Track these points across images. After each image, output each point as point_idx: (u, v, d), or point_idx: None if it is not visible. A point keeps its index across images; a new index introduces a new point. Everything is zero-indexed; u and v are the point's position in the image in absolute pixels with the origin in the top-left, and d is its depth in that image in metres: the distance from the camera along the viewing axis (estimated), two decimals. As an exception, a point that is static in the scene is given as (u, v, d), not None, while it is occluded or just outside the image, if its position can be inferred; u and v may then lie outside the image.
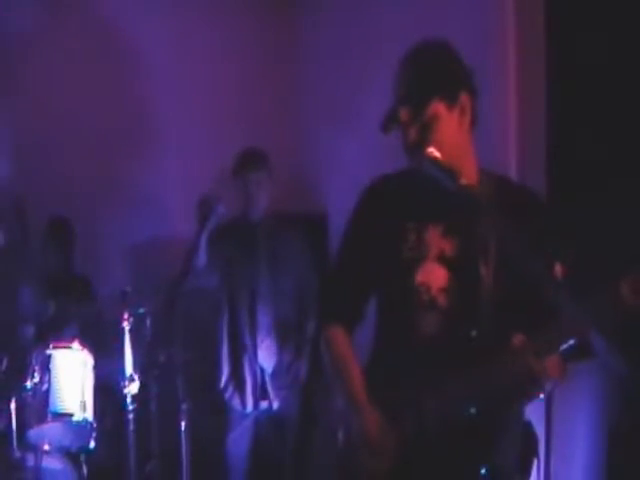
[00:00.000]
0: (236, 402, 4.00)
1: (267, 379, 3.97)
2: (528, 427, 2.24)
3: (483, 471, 2.06)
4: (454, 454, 2.06)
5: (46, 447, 3.77)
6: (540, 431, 3.05)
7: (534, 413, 3.04)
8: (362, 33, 4.29)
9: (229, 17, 4.92)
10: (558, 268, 2.08)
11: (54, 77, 4.81)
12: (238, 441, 4.01)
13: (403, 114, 2.10)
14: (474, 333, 2.07)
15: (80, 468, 3.93)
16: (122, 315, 3.88)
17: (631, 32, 3.05)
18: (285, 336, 3.98)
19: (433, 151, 2.05)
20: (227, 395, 4.01)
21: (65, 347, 3.91)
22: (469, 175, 2.14)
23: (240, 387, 3.98)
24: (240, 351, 3.98)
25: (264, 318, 3.96)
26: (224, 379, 4.01)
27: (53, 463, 3.82)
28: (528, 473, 2.24)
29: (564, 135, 3.40)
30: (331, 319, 2.28)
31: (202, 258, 3.88)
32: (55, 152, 4.78)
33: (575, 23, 3.30)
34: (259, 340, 3.96)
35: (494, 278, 2.08)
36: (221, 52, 4.90)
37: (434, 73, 2.09)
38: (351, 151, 4.31)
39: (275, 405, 3.99)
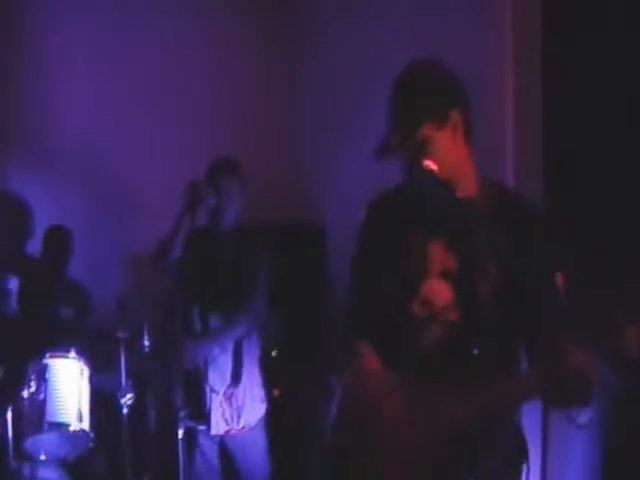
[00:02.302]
0: (191, 424, 3.77)
1: (218, 400, 3.74)
2: (518, 432, 2.22)
3: None
4: (444, 465, 2.04)
5: (42, 457, 3.76)
6: (537, 435, 3.04)
7: (531, 418, 3.04)
8: (363, 42, 4.29)
9: (228, 22, 4.93)
10: (559, 278, 2.08)
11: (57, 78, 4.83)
12: (204, 468, 3.83)
13: (394, 141, 2.12)
14: (476, 352, 2.06)
15: (76, 478, 3.91)
16: (119, 324, 3.86)
17: (628, 40, 3.05)
18: (241, 357, 3.75)
19: (429, 164, 2.06)
20: (181, 416, 3.75)
21: (62, 356, 3.90)
22: (469, 186, 2.16)
23: (192, 409, 3.75)
24: (191, 370, 3.75)
25: None
26: (179, 399, 3.77)
27: (49, 473, 3.81)
28: (518, 478, 2.23)
29: (561, 142, 3.39)
30: (357, 336, 2.27)
31: (176, 251, 3.67)
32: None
33: (572, 30, 3.30)
34: (209, 360, 3.73)
35: (494, 294, 2.07)
36: (219, 58, 4.91)
37: (421, 99, 2.11)
38: (350, 160, 4.30)
39: (226, 428, 3.75)
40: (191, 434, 3.81)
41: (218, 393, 3.75)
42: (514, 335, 2.13)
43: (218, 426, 3.76)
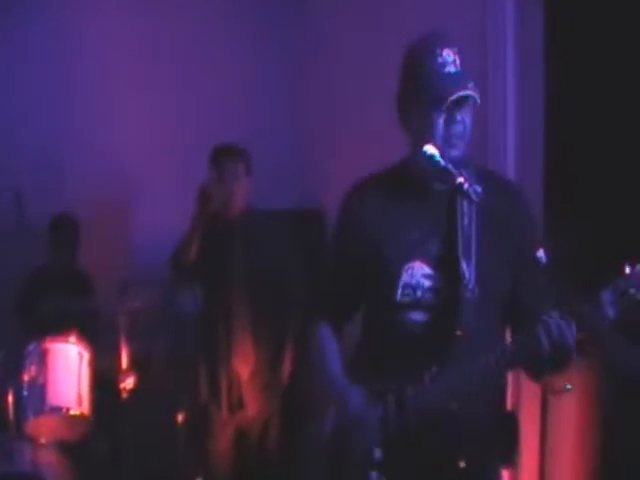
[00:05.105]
0: (213, 410, 3.82)
1: (243, 385, 3.79)
2: (510, 416, 2.23)
3: (462, 464, 2.06)
4: (433, 447, 2.05)
5: (43, 440, 3.79)
6: (535, 426, 3.05)
7: (529, 407, 3.05)
8: (366, 30, 4.30)
9: (241, 20, 4.96)
10: (541, 253, 2.08)
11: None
12: (220, 451, 3.85)
13: (400, 120, 2.15)
14: (459, 332, 2.08)
15: (76, 462, 3.94)
16: (119, 308, 3.88)
17: (631, 35, 3.05)
18: (263, 339, 3.80)
19: (430, 147, 2.07)
20: (203, 402, 3.84)
21: (62, 341, 3.93)
22: None
23: (216, 394, 3.80)
24: (214, 356, 3.82)
25: (239, 322, 3.78)
26: (200, 386, 3.84)
27: (49, 456, 3.83)
28: (512, 460, 2.24)
29: (562, 136, 3.40)
30: (319, 316, 2.32)
31: (193, 253, 3.76)
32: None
33: (574, 23, 3.31)
34: (234, 345, 3.78)
35: (478, 277, 2.09)
36: (222, 43, 4.92)
37: (427, 87, 2.08)
38: (350, 145, 4.32)
39: (253, 410, 3.82)
40: (206, 419, 3.84)
41: (245, 377, 3.79)
42: (498, 315, 2.15)
43: (251, 407, 3.80)
